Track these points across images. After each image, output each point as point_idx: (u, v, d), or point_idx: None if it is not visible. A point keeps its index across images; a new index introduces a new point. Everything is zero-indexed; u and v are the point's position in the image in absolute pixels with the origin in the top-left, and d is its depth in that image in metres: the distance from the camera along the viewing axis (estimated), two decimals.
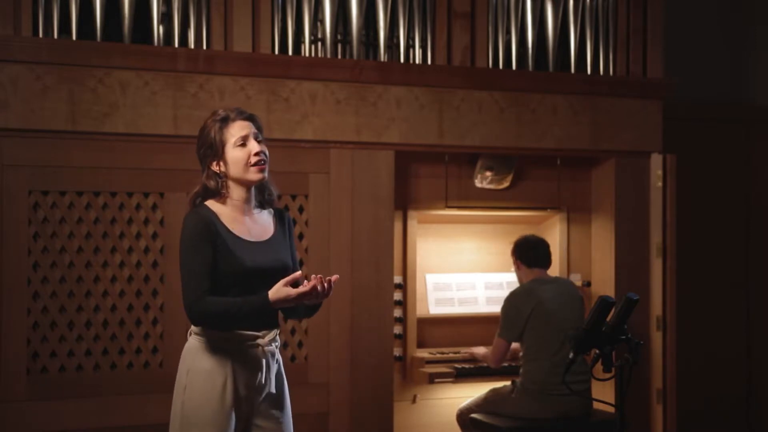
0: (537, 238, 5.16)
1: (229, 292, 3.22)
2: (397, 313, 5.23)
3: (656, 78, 5.54)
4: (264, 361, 3.27)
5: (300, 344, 4.89)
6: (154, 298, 4.64)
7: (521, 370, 5.00)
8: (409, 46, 5.17)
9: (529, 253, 5.09)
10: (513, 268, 5.22)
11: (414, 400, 5.33)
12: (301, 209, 4.92)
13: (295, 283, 3.20)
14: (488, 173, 5.39)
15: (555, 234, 5.50)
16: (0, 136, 4.38)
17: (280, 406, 3.35)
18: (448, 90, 5.15)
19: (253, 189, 3.35)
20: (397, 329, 5.23)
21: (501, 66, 5.31)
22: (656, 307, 5.44)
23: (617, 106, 5.48)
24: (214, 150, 3.29)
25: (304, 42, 4.94)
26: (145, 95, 4.59)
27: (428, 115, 5.11)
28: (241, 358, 3.24)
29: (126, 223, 4.62)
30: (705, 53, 6.60)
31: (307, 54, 4.94)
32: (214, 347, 3.23)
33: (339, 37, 5.02)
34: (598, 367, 3.43)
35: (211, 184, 3.30)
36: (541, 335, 4.92)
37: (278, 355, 3.36)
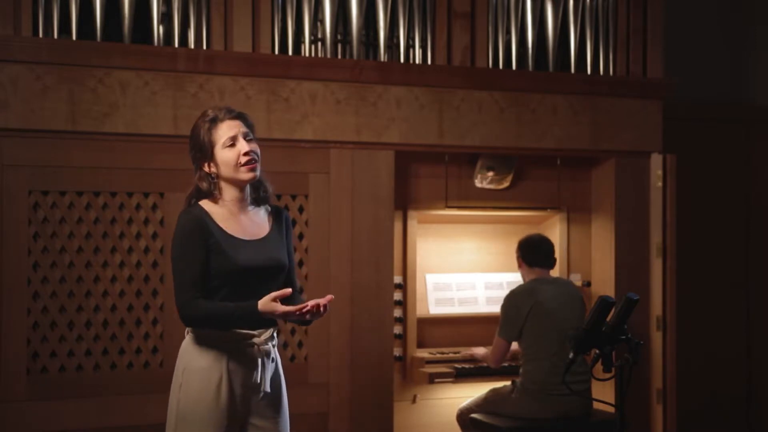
0: (541, 238, 5.16)
1: (222, 290, 3.23)
2: (397, 313, 5.23)
3: (656, 78, 5.54)
4: (260, 360, 3.27)
5: (300, 344, 4.89)
6: (154, 298, 4.64)
7: (521, 370, 5.00)
8: (409, 46, 5.17)
9: (532, 253, 5.09)
10: (516, 267, 5.22)
11: (414, 400, 5.33)
12: (301, 209, 4.92)
13: (289, 298, 3.23)
14: (489, 173, 5.39)
15: (555, 234, 5.50)
16: (0, 136, 4.38)
17: (277, 406, 3.35)
18: (448, 90, 5.15)
19: (247, 187, 3.34)
20: (397, 329, 5.23)
21: (501, 66, 5.31)
22: (656, 307, 5.44)
23: (617, 106, 5.48)
24: (204, 152, 3.28)
25: (304, 42, 4.94)
26: (145, 95, 4.59)
27: (428, 115, 5.11)
28: (237, 357, 3.25)
29: (126, 223, 4.62)
30: (705, 53, 6.60)
31: (307, 54, 4.94)
32: (210, 346, 3.24)
33: (339, 37, 5.02)
34: (598, 367, 3.43)
35: (204, 185, 3.30)
36: (540, 335, 4.92)
37: (275, 355, 3.35)
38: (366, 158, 5.00)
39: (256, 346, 3.26)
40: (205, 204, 3.29)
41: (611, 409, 4.58)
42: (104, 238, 4.58)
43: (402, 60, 5.13)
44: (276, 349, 3.36)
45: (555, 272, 5.38)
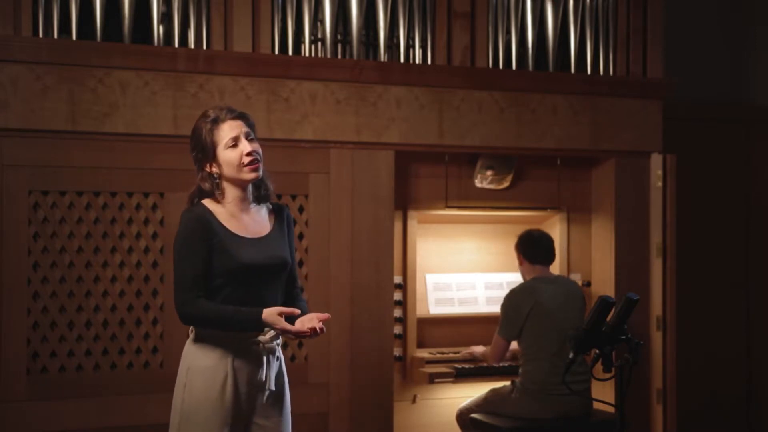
0: (540, 233, 5.15)
1: (225, 289, 3.24)
2: (397, 313, 5.23)
3: (656, 78, 5.54)
4: (265, 358, 3.28)
5: (300, 344, 4.89)
6: (154, 298, 4.64)
7: (521, 370, 5.00)
8: (409, 46, 5.17)
9: (532, 249, 5.08)
10: (516, 266, 5.21)
11: (414, 400, 5.33)
12: (301, 209, 4.92)
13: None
14: (489, 172, 5.39)
15: (555, 234, 5.49)
16: (0, 136, 4.38)
17: (280, 404, 3.35)
18: (448, 90, 5.15)
19: (249, 186, 3.34)
20: (397, 329, 5.23)
21: (501, 66, 5.31)
22: (656, 307, 5.44)
23: (617, 106, 5.48)
24: (207, 152, 3.29)
25: (304, 42, 4.95)
26: (145, 95, 4.59)
27: (428, 115, 5.11)
28: (242, 356, 3.25)
29: (126, 223, 4.62)
30: (705, 53, 6.61)
31: (307, 54, 4.94)
32: (215, 345, 3.24)
33: (339, 37, 5.02)
34: (598, 367, 3.43)
35: (206, 185, 3.30)
36: (540, 335, 4.92)
37: (279, 353, 3.36)
38: (366, 158, 5.00)
39: (261, 345, 3.26)
40: (208, 203, 3.30)
41: (611, 409, 4.58)
42: (104, 238, 4.58)
43: (402, 60, 5.13)
44: (280, 347, 3.37)
45: (555, 272, 5.38)
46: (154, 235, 4.65)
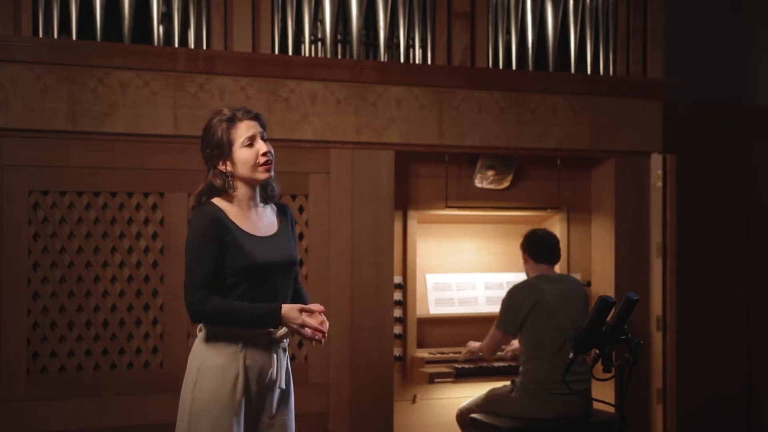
0: (546, 233, 5.15)
1: (239, 287, 3.25)
2: (397, 313, 5.23)
3: (656, 78, 5.54)
4: (275, 356, 3.29)
5: (300, 344, 4.89)
6: (154, 298, 4.64)
7: (521, 369, 5.00)
8: (409, 46, 5.17)
9: (537, 248, 5.09)
10: (515, 267, 5.22)
11: (414, 400, 5.33)
12: (301, 209, 4.92)
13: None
14: (490, 172, 5.39)
15: (555, 234, 5.49)
16: (0, 136, 4.38)
17: (287, 402, 3.38)
18: (448, 90, 5.15)
19: (258, 186, 3.37)
20: (397, 329, 5.23)
21: (501, 66, 5.31)
22: (656, 307, 5.44)
23: (617, 106, 5.48)
24: (221, 150, 3.30)
25: (304, 42, 4.94)
26: (145, 95, 4.59)
27: (428, 115, 5.11)
28: (253, 354, 3.26)
29: (126, 223, 4.62)
30: (705, 53, 6.61)
31: (307, 54, 4.94)
32: (226, 343, 3.25)
33: (339, 37, 5.02)
34: (598, 367, 3.44)
35: (218, 182, 3.31)
36: (542, 334, 4.92)
37: (287, 351, 3.38)
38: (366, 158, 5.00)
39: (273, 342, 3.28)
40: (218, 201, 3.32)
41: (611, 409, 4.58)
42: (104, 238, 4.58)
43: (402, 60, 5.13)
44: (287, 345, 3.39)
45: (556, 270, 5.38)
46: (154, 235, 4.65)
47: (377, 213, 5.00)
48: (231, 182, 3.31)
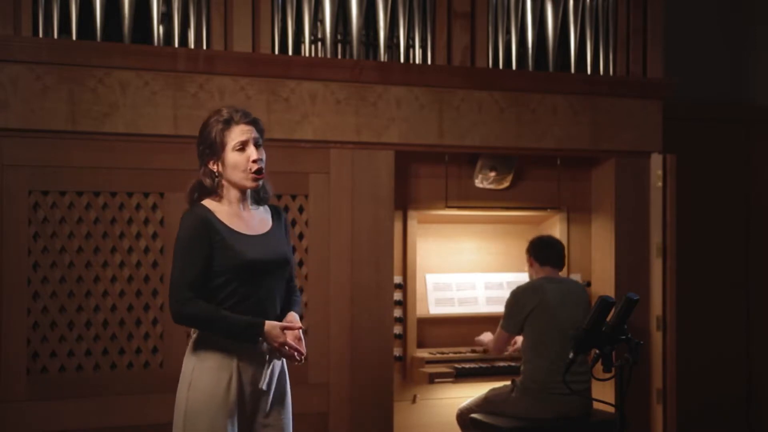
0: (553, 239, 5.20)
1: (229, 286, 3.25)
2: (397, 313, 5.22)
3: (656, 78, 5.54)
4: (268, 357, 3.29)
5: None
6: (154, 298, 4.64)
7: (522, 368, 5.00)
8: (409, 46, 5.17)
9: (543, 252, 5.11)
10: (515, 267, 5.22)
11: (414, 400, 5.33)
12: (301, 209, 4.92)
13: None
14: (492, 173, 5.39)
15: (555, 234, 5.49)
16: (0, 136, 4.38)
17: (283, 403, 3.37)
18: (448, 90, 5.15)
19: (248, 189, 3.37)
20: (397, 329, 5.23)
21: (501, 66, 5.31)
22: (656, 307, 5.44)
23: (617, 106, 5.48)
24: (214, 150, 3.31)
25: (304, 42, 4.94)
26: (145, 95, 4.59)
27: (428, 115, 5.10)
28: (247, 355, 3.26)
29: (126, 223, 4.62)
30: (705, 53, 6.61)
31: (307, 54, 4.94)
32: (219, 344, 3.25)
33: (339, 37, 5.02)
34: (598, 367, 3.44)
35: (207, 181, 3.33)
36: (543, 334, 4.92)
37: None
38: (366, 158, 4.99)
39: (265, 344, 3.27)
40: (208, 203, 3.32)
41: (611, 409, 4.58)
42: (104, 238, 4.57)
43: (402, 60, 5.13)
44: None
45: None
46: (154, 235, 4.65)
47: (377, 213, 5.00)
48: (219, 182, 3.32)
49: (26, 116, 4.41)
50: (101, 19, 4.56)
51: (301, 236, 4.90)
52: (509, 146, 5.29)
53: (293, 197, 4.90)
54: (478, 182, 5.44)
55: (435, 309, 5.39)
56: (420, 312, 5.32)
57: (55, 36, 4.50)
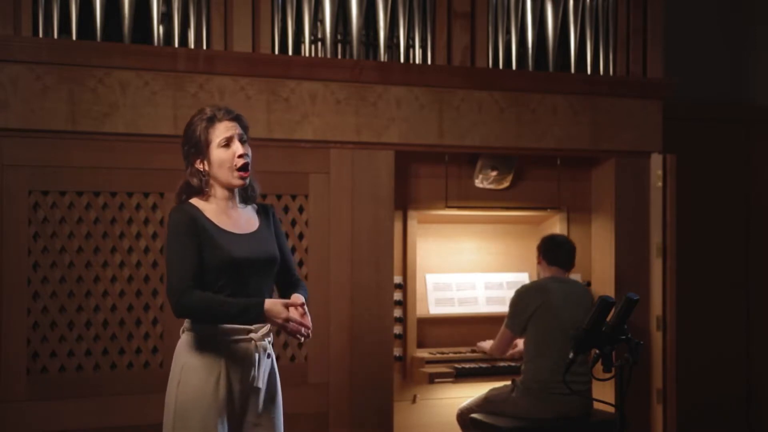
0: (564, 239, 5.20)
1: (217, 283, 3.25)
2: (397, 313, 5.23)
3: (656, 78, 5.54)
4: (256, 355, 3.30)
5: (300, 345, 4.89)
6: (154, 298, 4.64)
7: (523, 368, 5.01)
8: (409, 46, 5.17)
9: (552, 251, 5.11)
10: (514, 268, 5.22)
11: (414, 400, 5.33)
12: (301, 209, 4.92)
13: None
14: (492, 172, 5.39)
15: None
16: (0, 136, 4.38)
17: (273, 402, 3.38)
18: (448, 90, 5.15)
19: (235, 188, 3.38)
20: (397, 329, 5.23)
21: (501, 66, 5.31)
22: (656, 307, 5.44)
23: (617, 106, 5.48)
24: (199, 149, 3.33)
25: (304, 42, 4.94)
26: (145, 95, 4.59)
27: (428, 115, 5.11)
28: (234, 354, 3.27)
29: (126, 223, 4.62)
30: (705, 53, 6.61)
31: (307, 54, 4.94)
32: (207, 343, 3.26)
33: (339, 37, 5.02)
34: (598, 367, 3.44)
35: (194, 181, 3.34)
36: (546, 334, 4.92)
37: (271, 351, 3.39)
38: (366, 158, 5.00)
39: (253, 342, 3.29)
40: (196, 201, 3.34)
41: (611, 409, 4.58)
42: (104, 238, 4.58)
43: (402, 60, 5.13)
44: (271, 345, 3.39)
45: None
46: (154, 235, 4.65)
47: (377, 213, 5.00)
48: (207, 181, 3.33)
49: (26, 116, 4.41)
50: (101, 19, 4.56)
51: (301, 236, 4.90)
52: (509, 146, 5.29)
53: (293, 197, 4.90)
54: (478, 182, 5.44)
55: (435, 309, 5.39)
56: (420, 312, 5.32)
57: (55, 36, 4.50)
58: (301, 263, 4.89)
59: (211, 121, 3.32)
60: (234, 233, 3.31)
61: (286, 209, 4.88)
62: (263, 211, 3.46)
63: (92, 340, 4.55)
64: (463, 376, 5.20)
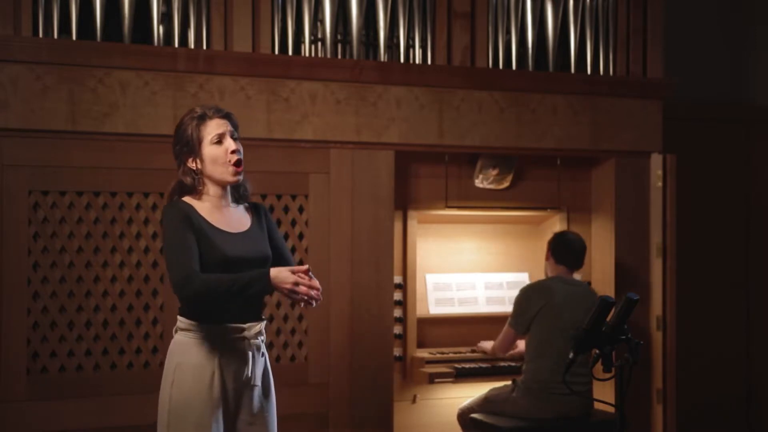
0: (577, 237, 5.16)
1: None
2: (397, 313, 5.22)
3: (656, 78, 5.54)
4: (250, 353, 3.31)
5: (300, 344, 4.89)
6: (154, 298, 4.64)
7: (524, 368, 5.00)
8: (409, 46, 5.17)
9: (561, 249, 5.09)
10: (515, 268, 5.22)
11: (414, 400, 5.33)
12: (301, 209, 4.92)
13: None
14: (494, 171, 5.38)
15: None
16: (0, 136, 4.38)
17: (266, 401, 3.39)
18: (448, 90, 5.15)
19: (228, 186, 3.39)
20: (397, 329, 5.23)
21: (501, 66, 5.31)
22: (656, 307, 5.44)
23: (617, 106, 5.48)
24: (191, 147, 3.34)
25: (304, 42, 4.94)
26: (145, 95, 4.59)
27: (428, 115, 5.11)
28: (228, 352, 3.28)
29: (126, 223, 4.62)
30: (705, 53, 6.61)
31: (307, 54, 4.94)
32: (201, 342, 3.27)
33: (339, 37, 5.02)
34: (598, 367, 3.44)
35: (188, 180, 3.35)
36: (548, 334, 4.92)
37: (264, 350, 3.40)
38: (366, 158, 5.00)
39: (246, 340, 3.29)
40: (189, 200, 3.35)
41: (611, 409, 4.58)
42: (104, 238, 4.58)
43: (402, 60, 5.13)
44: (264, 344, 3.40)
45: None
46: (154, 235, 4.65)
47: (377, 213, 5.00)
48: (200, 179, 3.34)
49: (26, 116, 4.41)
50: (101, 19, 4.56)
51: (301, 236, 4.90)
52: (509, 146, 5.29)
53: (293, 197, 4.90)
54: (478, 182, 5.44)
55: (435, 309, 5.39)
56: (420, 312, 5.32)
57: (55, 36, 4.50)
58: (301, 263, 4.88)
59: (202, 119, 3.34)
60: (227, 232, 3.32)
61: (286, 209, 4.88)
62: (255, 211, 3.47)
63: (92, 340, 4.55)
64: (463, 376, 5.20)
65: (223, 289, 3.18)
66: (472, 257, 5.56)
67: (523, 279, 5.54)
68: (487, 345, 5.27)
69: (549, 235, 5.40)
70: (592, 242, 5.65)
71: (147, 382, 4.58)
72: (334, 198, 4.93)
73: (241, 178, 3.36)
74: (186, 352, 3.28)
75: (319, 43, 4.98)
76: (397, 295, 5.22)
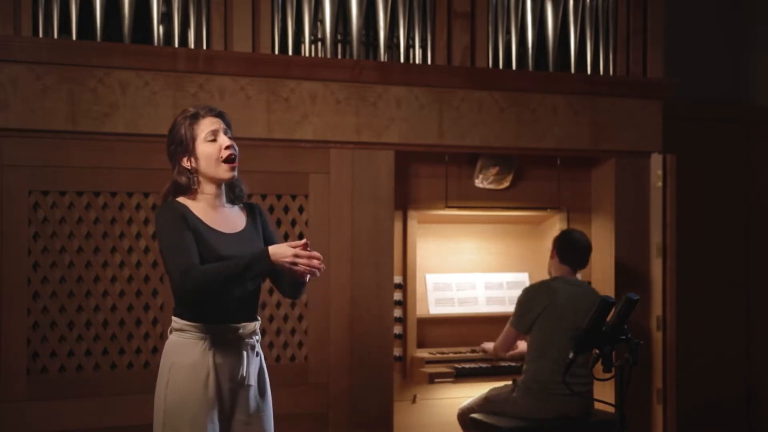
0: (582, 237, 5.15)
1: None
2: (397, 313, 5.22)
3: (656, 78, 5.54)
4: (245, 353, 3.31)
5: (300, 344, 4.89)
6: (154, 298, 4.64)
7: (524, 368, 5.00)
8: (409, 46, 5.17)
9: (565, 249, 5.09)
10: (514, 268, 5.22)
11: (414, 400, 5.33)
12: (301, 209, 4.92)
13: None
14: (494, 170, 5.38)
15: (555, 234, 5.49)
16: (0, 136, 4.38)
17: (262, 400, 3.39)
18: (448, 90, 5.15)
19: (223, 185, 3.39)
20: (397, 329, 5.23)
21: (501, 66, 5.31)
22: (656, 307, 5.44)
23: (617, 106, 5.48)
24: (185, 146, 3.35)
25: (304, 42, 4.94)
26: (145, 95, 4.59)
27: (428, 115, 5.11)
28: (223, 352, 3.28)
29: (126, 223, 4.62)
30: (705, 53, 6.61)
31: (307, 54, 4.94)
32: (195, 342, 3.28)
33: (339, 37, 5.02)
34: (598, 367, 3.44)
35: (183, 179, 3.35)
36: (549, 334, 4.92)
37: (259, 349, 3.40)
38: (366, 158, 4.99)
39: (241, 340, 3.30)
40: (183, 200, 3.35)
41: (611, 409, 4.58)
42: (104, 238, 4.58)
43: (402, 60, 5.13)
44: (259, 344, 3.40)
45: None
46: (155, 235, 4.64)
47: (377, 213, 5.00)
48: (195, 178, 3.34)
49: (26, 116, 4.41)
50: (101, 19, 4.56)
51: (301, 236, 4.90)
52: (509, 146, 5.29)
53: (293, 197, 4.90)
54: (478, 182, 5.44)
55: (435, 309, 5.39)
56: (420, 312, 5.32)
57: (55, 36, 4.50)
58: None
59: (195, 117, 3.36)
60: (222, 232, 3.32)
61: (286, 209, 4.88)
62: (250, 211, 3.47)
63: (92, 340, 4.55)
64: (463, 376, 5.20)
65: (225, 275, 3.18)
66: (472, 257, 5.56)
67: (523, 279, 5.54)
68: (490, 346, 5.27)
69: (549, 235, 5.41)
70: (592, 242, 5.64)
71: (147, 382, 4.55)
72: (334, 198, 4.93)
73: (235, 174, 3.36)
74: (181, 352, 3.29)
75: (319, 43, 4.98)
76: (397, 295, 5.22)
